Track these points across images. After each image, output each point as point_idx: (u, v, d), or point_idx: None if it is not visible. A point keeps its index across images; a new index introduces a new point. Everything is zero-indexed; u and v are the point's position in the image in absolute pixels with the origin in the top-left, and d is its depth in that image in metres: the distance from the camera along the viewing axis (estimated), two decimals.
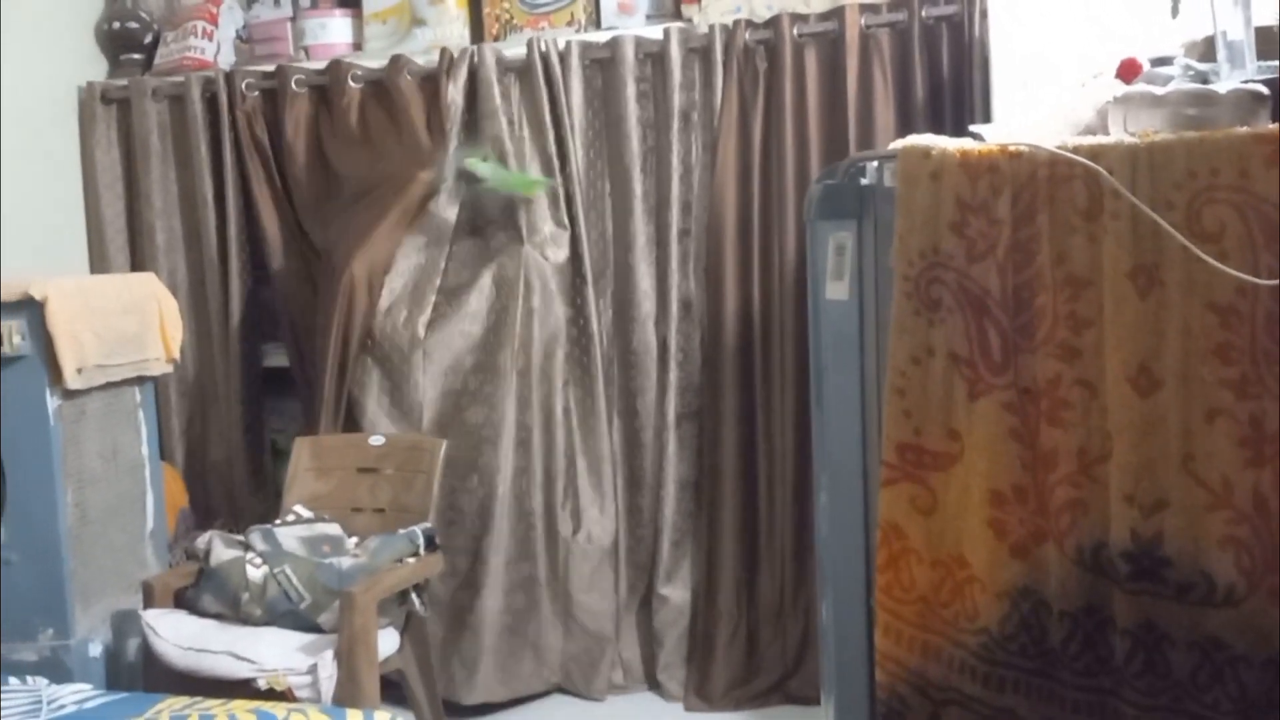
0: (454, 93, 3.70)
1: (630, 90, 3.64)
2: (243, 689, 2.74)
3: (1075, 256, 1.57)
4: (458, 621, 3.73)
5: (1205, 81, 1.80)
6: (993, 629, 1.62)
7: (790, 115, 3.55)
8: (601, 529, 3.75)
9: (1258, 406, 1.46)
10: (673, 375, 3.70)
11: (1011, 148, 1.64)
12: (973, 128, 1.92)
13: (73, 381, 2.78)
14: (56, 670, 2.67)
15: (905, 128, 3.41)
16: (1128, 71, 1.91)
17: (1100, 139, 1.67)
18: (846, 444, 1.77)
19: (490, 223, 3.78)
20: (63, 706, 2.39)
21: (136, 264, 3.90)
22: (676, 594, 3.71)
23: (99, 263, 3.87)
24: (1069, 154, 1.58)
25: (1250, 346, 1.47)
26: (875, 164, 1.76)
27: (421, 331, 3.71)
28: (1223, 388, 1.48)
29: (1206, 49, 1.94)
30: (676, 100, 3.62)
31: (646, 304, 3.71)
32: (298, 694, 2.79)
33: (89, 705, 2.38)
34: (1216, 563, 1.47)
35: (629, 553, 3.78)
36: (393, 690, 3.18)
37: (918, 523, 1.67)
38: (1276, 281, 1.43)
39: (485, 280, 3.74)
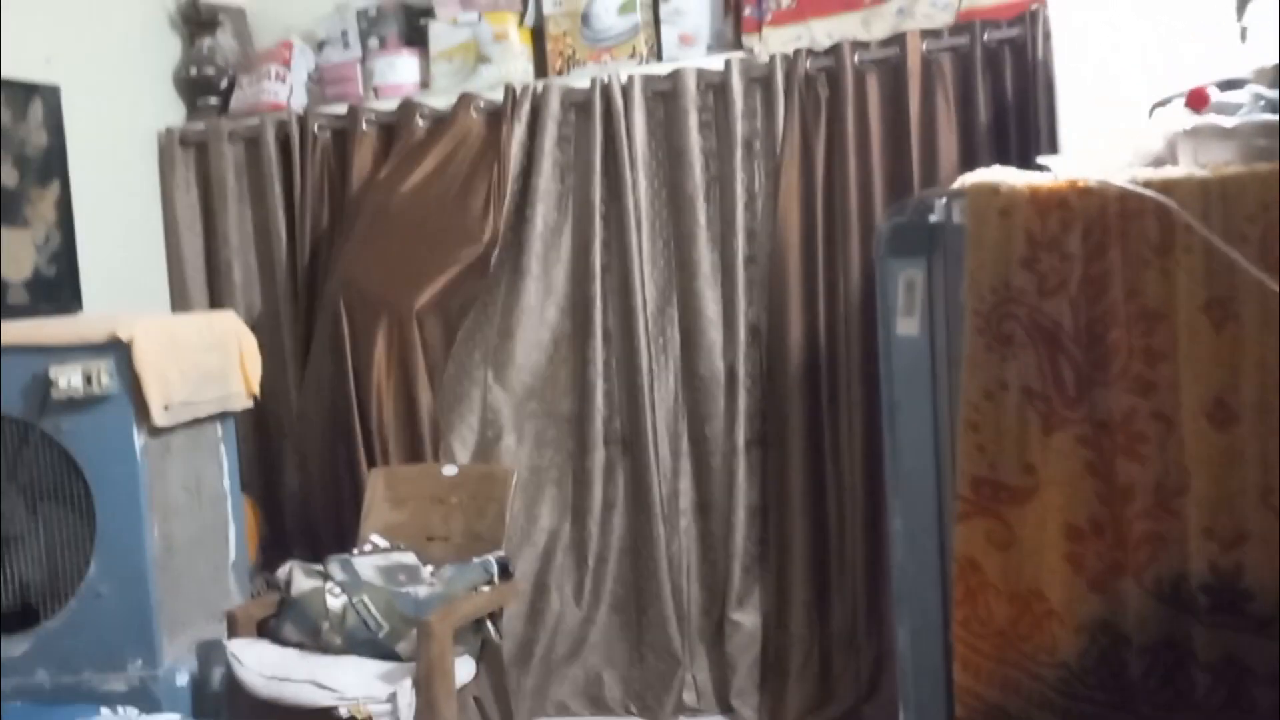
0: (519, 128, 3.77)
1: (692, 120, 3.69)
2: (325, 717, 2.80)
3: (1149, 290, 1.58)
4: (528, 643, 3.79)
5: (1276, 110, 1.80)
6: (1071, 663, 1.62)
7: (853, 142, 3.57)
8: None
9: None
10: (741, 402, 3.72)
11: (1081, 183, 1.66)
12: (1040, 159, 1.93)
13: (159, 419, 2.86)
14: (145, 700, 2.75)
15: (969, 153, 3.42)
16: (1197, 101, 1.91)
17: (1171, 172, 1.67)
18: (921, 476, 1.78)
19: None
20: None
21: (215, 301, 4.01)
22: (748, 619, 3.72)
23: (180, 301, 3.99)
24: (1140, 189, 1.59)
25: None
26: (944, 200, 1.78)
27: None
28: None
29: (1276, 76, 1.93)
30: (739, 129, 3.66)
31: (713, 332, 3.74)
32: None
33: None
34: None
35: (702, 577, 3.81)
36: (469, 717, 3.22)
37: (994, 557, 1.68)
38: None
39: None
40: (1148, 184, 1.59)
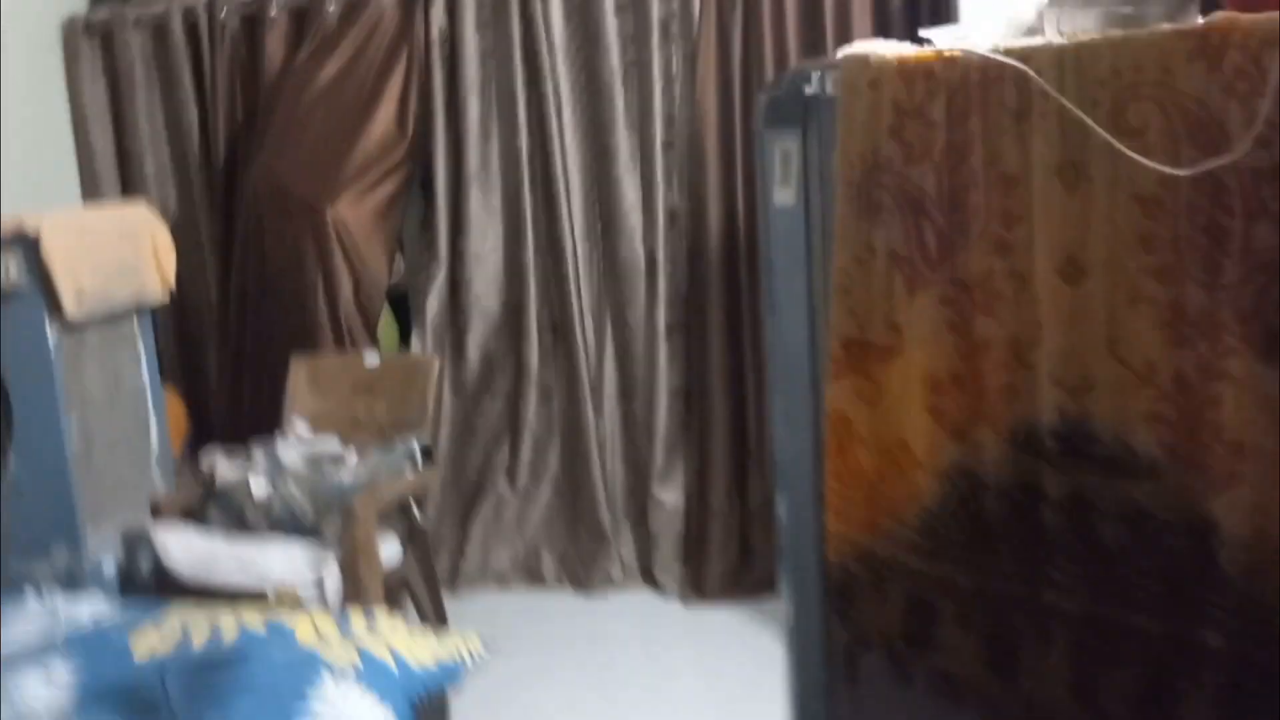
0: (436, 14, 3.74)
1: (609, 2, 3.68)
2: (253, 601, 2.87)
3: (1006, 155, 1.64)
4: (468, 521, 3.90)
5: None
6: (933, 508, 1.72)
7: (768, 22, 3.58)
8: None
9: (1179, 292, 1.53)
10: (661, 287, 3.78)
11: (946, 53, 1.70)
12: (922, 32, 1.97)
13: (71, 312, 2.87)
14: (72, 587, 2.80)
15: (883, 31, 3.45)
16: None
17: (1032, 41, 1.72)
18: (797, 344, 1.86)
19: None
20: (79, 618, 2.51)
21: (128, 194, 3.98)
22: (671, 496, 3.84)
23: (91, 195, 3.96)
24: (999, 57, 1.64)
25: (1172, 235, 1.54)
26: (819, 73, 1.82)
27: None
28: (1146, 275, 1.55)
29: None
30: (655, 11, 3.66)
31: (633, 217, 3.79)
32: (305, 604, 2.92)
33: (104, 616, 2.50)
34: (1140, 438, 1.56)
35: (627, 457, 3.91)
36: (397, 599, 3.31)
37: (863, 412, 1.77)
38: (1195, 170, 1.50)
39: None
40: (1008, 52, 1.64)
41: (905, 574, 1.75)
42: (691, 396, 3.83)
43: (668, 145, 3.74)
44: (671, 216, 3.77)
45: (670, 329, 3.81)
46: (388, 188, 3.77)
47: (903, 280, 1.70)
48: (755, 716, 2.89)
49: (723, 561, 3.76)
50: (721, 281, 3.72)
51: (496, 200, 3.83)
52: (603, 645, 3.55)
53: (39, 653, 2.33)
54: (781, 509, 1.90)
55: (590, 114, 3.78)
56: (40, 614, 2.52)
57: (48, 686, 2.15)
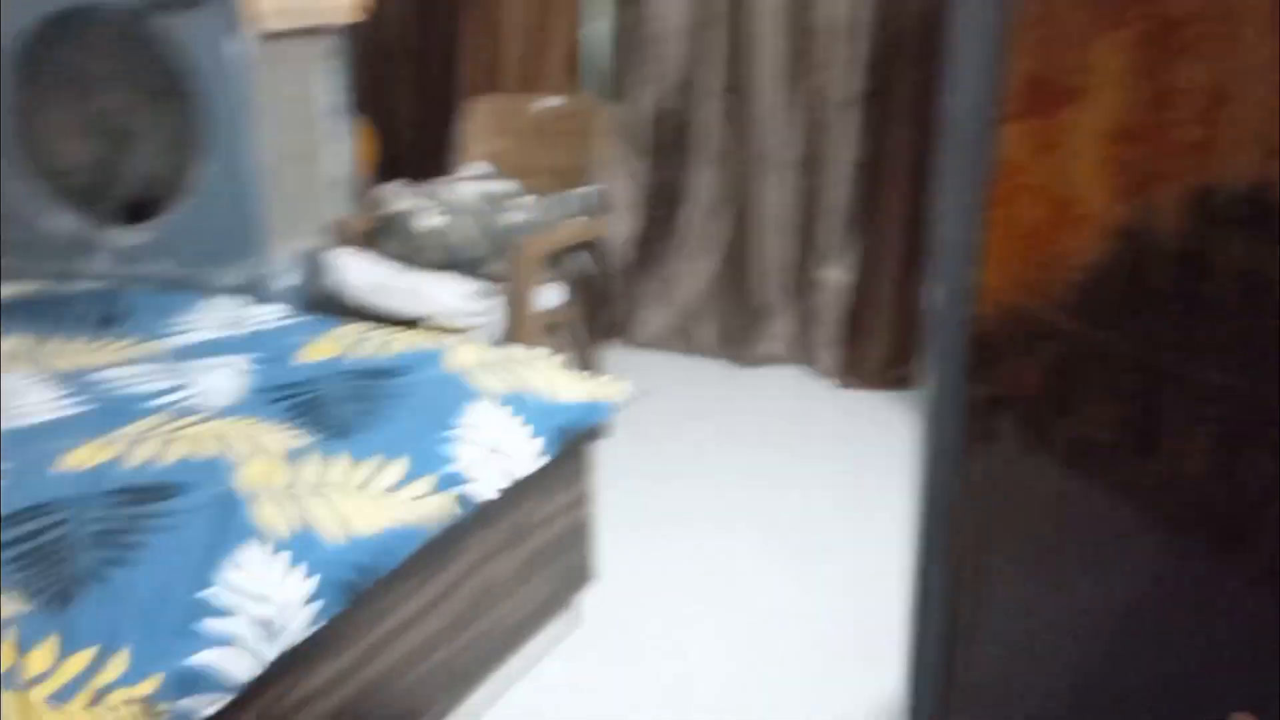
0: None
1: None
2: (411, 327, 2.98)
3: None
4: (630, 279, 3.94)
5: None
6: (1097, 268, 1.62)
7: None
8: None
9: None
10: (857, 51, 3.60)
11: None
12: None
13: (267, 23, 2.92)
14: (255, 294, 2.96)
15: None
16: None
17: None
18: (974, 90, 1.73)
19: None
20: (263, 320, 2.66)
21: None
22: (838, 276, 3.77)
23: None
24: None
25: None
26: None
27: None
28: None
29: None
30: None
31: None
32: (468, 334, 3.02)
33: (285, 322, 2.65)
34: None
35: (799, 231, 3.84)
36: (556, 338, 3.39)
37: (1036, 159, 1.65)
38: None
39: None
40: None
41: (1056, 335, 1.67)
42: (871, 171, 3.69)
43: None
44: None
45: (859, 97, 3.64)
46: None
47: (1100, 13, 1.56)
48: (895, 495, 2.89)
49: (880, 347, 3.70)
50: (916, 46, 3.50)
51: None
52: (750, 414, 3.57)
53: (223, 344, 2.50)
54: (937, 265, 1.82)
55: None
56: (226, 312, 2.69)
57: (229, 376, 2.30)
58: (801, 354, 3.87)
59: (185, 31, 2.88)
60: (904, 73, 3.52)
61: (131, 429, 2.00)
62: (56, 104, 3.15)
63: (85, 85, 3.16)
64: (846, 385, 3.74)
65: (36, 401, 2.16)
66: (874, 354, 3.70)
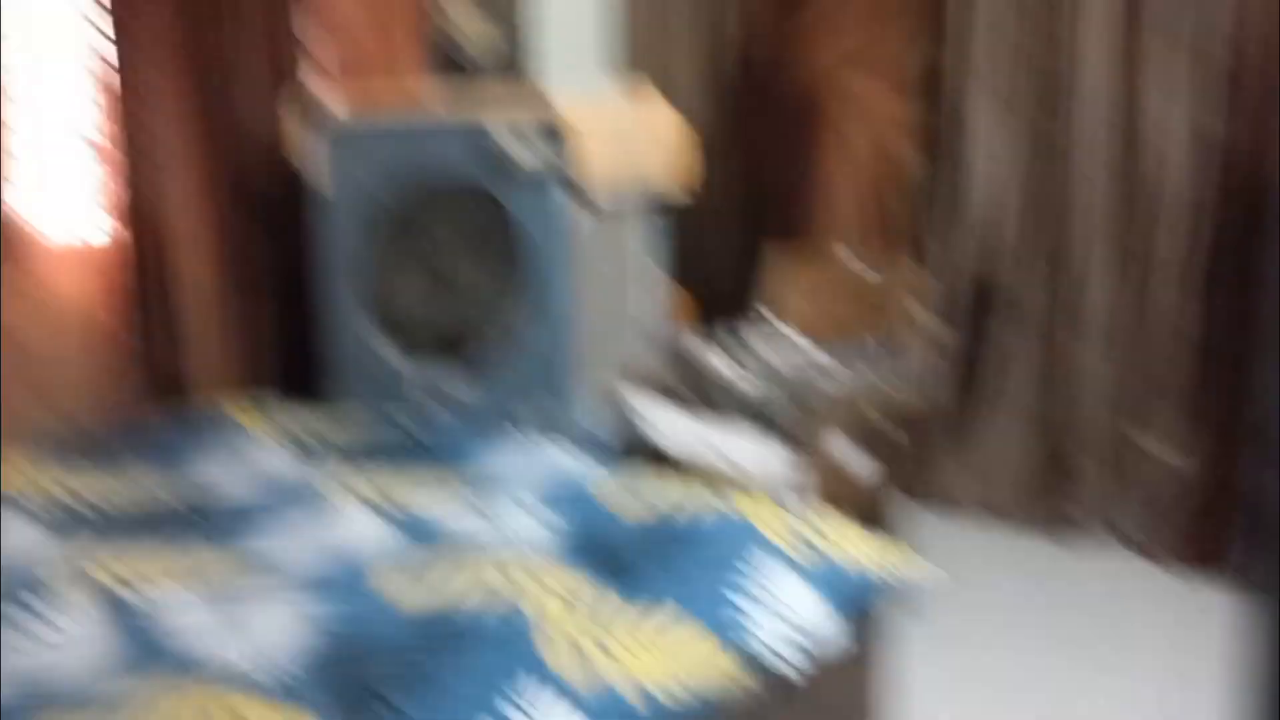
0: None
1: None
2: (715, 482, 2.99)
3: None
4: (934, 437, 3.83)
5: None
6: None
7: None
8: None
9: None
10: (1182, 221, 3.42)
11: None
12: None
13: (600, 202, 3.16)
14: (563, 435, 3.06)
15: None
16: None
17: None
18: None
19: None
20: (572, 464, 2.72)
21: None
22: (1161, 450, 3.51)
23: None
24: None
25: None
26: None
27: None
28: None
29: None
30: None
31: (1159, 138, 3.44)
32: (771, 498, 3.00)
33: (594, 467, 2.70)
34: None
35: (1113, 401, 3.62)
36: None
37: None
38: None
39: None
40: None
41: None
42: (1199, 342, 3.45)
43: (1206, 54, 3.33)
44: (1205, 141, 3.38)
45: (1195, 270, 3.43)
46: None
47: None
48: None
49: (1204, 527, 3.41)
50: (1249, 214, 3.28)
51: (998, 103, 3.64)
52: (1068, 606, 3.37)
53: (515, 484, 2.57)
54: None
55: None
56: (521, 450, 2.77)
57: (537, 526, 2.37)
58: (1118, 530, 3.63)
59: (522, 201, 3.15)
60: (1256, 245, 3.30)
61: (442, 562, 2.09)
62: (401, 257, 3.47)
63: (431, 243, 3.46)
64: (1165, 565, 3.47)
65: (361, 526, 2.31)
66: (1197, 534, 3.42)
